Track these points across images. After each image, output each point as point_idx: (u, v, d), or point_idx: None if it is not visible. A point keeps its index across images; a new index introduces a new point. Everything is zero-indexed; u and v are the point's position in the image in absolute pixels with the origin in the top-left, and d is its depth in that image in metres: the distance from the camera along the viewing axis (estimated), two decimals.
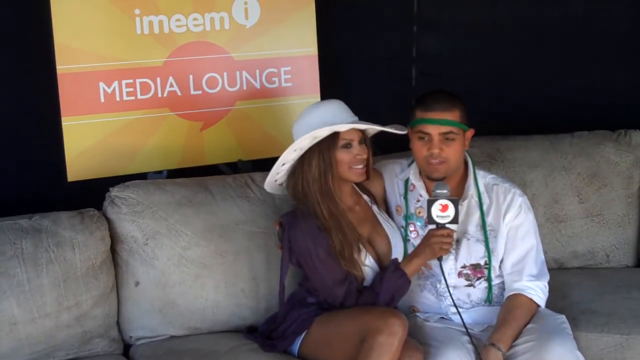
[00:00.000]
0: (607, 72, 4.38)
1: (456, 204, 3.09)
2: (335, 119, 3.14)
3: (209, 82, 3.80)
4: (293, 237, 3.15)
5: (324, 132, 3.11)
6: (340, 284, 3.12)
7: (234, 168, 3.86)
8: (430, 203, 3.09)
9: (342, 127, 3.12)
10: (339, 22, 4.26)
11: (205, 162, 3.86)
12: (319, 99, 3.94)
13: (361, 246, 3.18)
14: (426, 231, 3.19)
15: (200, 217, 3.41)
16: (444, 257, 3.17)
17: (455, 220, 3.10)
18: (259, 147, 3.89)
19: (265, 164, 3.72)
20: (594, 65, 4.38)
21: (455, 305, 3.14)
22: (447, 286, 3.18)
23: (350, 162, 3.16)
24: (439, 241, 3.10)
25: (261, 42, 3.87)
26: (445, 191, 3.09)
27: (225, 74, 3.82)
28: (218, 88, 3.82)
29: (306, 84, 3.97)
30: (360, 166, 3.18)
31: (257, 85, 3.89)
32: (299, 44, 3.95)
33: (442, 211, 3.09)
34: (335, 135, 3.13)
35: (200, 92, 3.79)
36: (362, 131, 3.19)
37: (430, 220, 3.10)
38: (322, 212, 3.13)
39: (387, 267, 3.17)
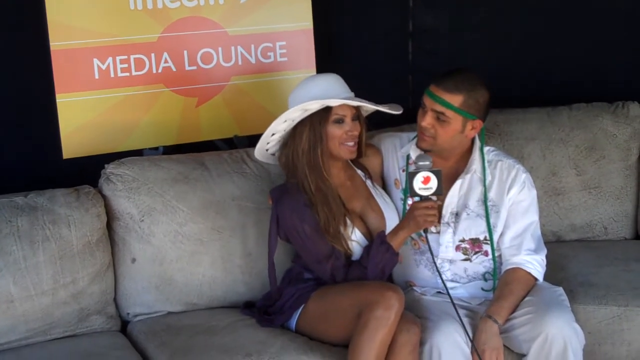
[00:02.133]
0: (605, 44, 4.35)
1: (439, 176, 3.05)
2: (329, 93, 3.12)
3: (204, 57, 3.78)
4: (280, 211, 3.15)
5: (314, 106, 3.09)
6: (326, 259, 3.12)
7: (230, 144, 3.84)
8: (412, 176, 3.05)
9: (333, 102, 3.10)
10: None
11: (201, 138, 3.84)
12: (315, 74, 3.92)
13: (348, 221, 3.17)
14: None
15: (196, 193, 3.40)
16: (430, 229, 3.16)
17: (438, 192, 3.06)
18: (255, 123, 3.85)
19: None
20: (592, 37, 4.34)
21: (445, 286, 3.13)
22: (437, 268, 3.18)
23: (341, 138, 3.14)
24: (423, 213, 3.07)
25: (256, 17, 3.84)
26: (427, 163, 3.05)
27: (220, 49, 3.80)
28: (213, 63, 3.80)
29: (302, 58, 3.94)
30: (352, 143, 3.16)
31: (253, 60, 3.86)
32: (294, 19, 3.92)
33: (424, 183, 3.05)
34: (327, 110, 3.11)
35: (195, 67, 3.77)
36: (356, 108, 3.17)
37: (412, 193, 3.07)
38: (309, 186, 3.13)
39: (374, 241, 3.16)
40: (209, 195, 3.42)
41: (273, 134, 3.19)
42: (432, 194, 3.07)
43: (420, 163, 3.07)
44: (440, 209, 3.19)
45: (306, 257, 3.18)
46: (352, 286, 3.09)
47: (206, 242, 3.38)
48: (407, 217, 3.15)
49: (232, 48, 3.82)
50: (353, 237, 3.19)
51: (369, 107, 3.19)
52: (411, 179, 3.06)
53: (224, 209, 3.42)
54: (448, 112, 3.14)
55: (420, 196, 3.08)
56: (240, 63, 3.84)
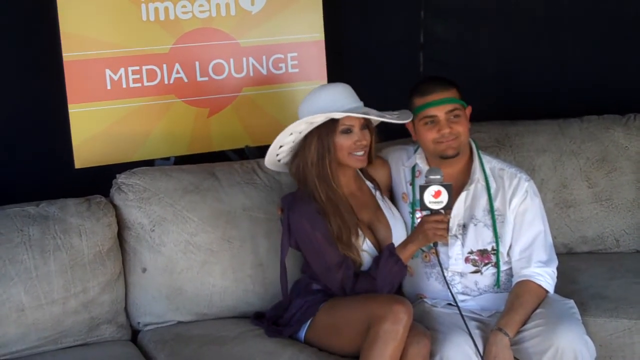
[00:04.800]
0: (617, 56, 4.35)
1: (449, 190, 3.05)
2: (335, 104, 3.12)
3: (216, 68, 3.79)
4: (292, 219, 3.15)
5: (319, 119, 3.10)
6: (337, 268, 3.11)
7: (241, 154, 3.85)
8: (423, 189, 3.05)
9: (337, 115, 3.10)
10: (346, 8, 4.24)
11: (212, 149, 3.85)
12: None
13: (360, 231, 3.17)
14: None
15: (206, 203, 3.41)
16: (439, 243, 3.15)
17: (448, 206, 3.07)
18: (266, 133, 3.83)
19: None
20: (603, 49, 4.35)
21: (454, 299, 3.13)
22: (446, 281, 3.18)
23: (350, 148, 3.14)
24: (433, 227, 3.07)
25: (267, 28, 3.86)
26: (438, 177, 3.05)
27: (231, 60, 3.81)
28: (225, 74, 3.81)
29: (313, 69, 3.96)
30: (361, 152, 3.16)
31: (264, 72, 3.88)
32: (305, 30, 3.93)
33: (434, 197, 3.05)
34: (334, 121, 3.11)
35: (206, 78, 3.78)
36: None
37: (422, 206, 3.07)
38: (319, 196, 3.13)
39: (382, 253, 3.16)
40: (220, 205, 3.42)
41: (281, 146, 3.20)
42: (443, 208, 3.06)
43: (432, 177, 3.06)
44: (448, 222, 3.19)
45: (316, 266, 3.17)
46: (361, 299, 3.08)
47: (217, 252, 3.38)
48: (416, 231, 3.15)
49: (244, 59, 3.84)
50: (364, 247, 3.19)
51: (373, 118, 3.17)
52: (422, 193, 3.05)
53: (235, 219, 3.42)
54: (458, 105, 3.20)
55: (431, 210, 3.07)
56: (251, 74, 3.86)
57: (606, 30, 4.35)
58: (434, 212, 3.07)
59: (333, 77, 3.94)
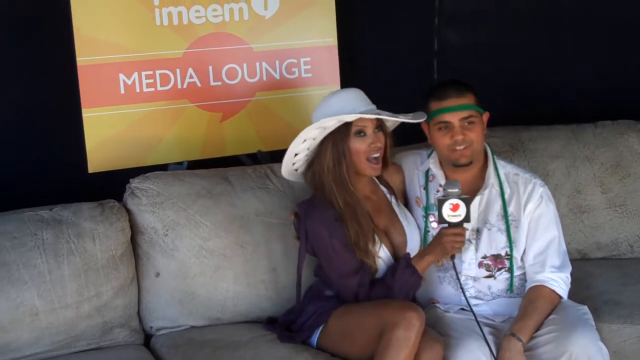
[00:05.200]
0: (631, 60, 4.34)
1: (467, 203, 3.05)
2: (346, 108, 3.12)
3: (229, 73, 3.80)
4: (309, 226, 3.15)
5: (331, 123, 3.09)
6: (353, 274, 3.11)
7: (254, 159, 3.85)
8: (441, 203, 3.05)
9: (349, 117, 3.10)
10: (359, 13, 4.25)
11: (225, 154, 3.86)
12: None
13: (376, 237, 3.17)
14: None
15: (220, 208, 3.41)
16: (456, 255, 3.14)
17: (466, 219, 3.06)
18: (279, 138, 3.86)
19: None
20: (618, 54, 4.34)
21: (469, 304, 3.12)
22: (461, 286, 3.17)
23: (366, 151, 3.13)
24: (451, 240, 3.07)
25: (280, 33, 3.86)
26: (456, 190, 3.05)
27: (244, 64, 3.82)
28: (238, 79, 3.82)
29: (326, 74, 3.96)
30: (376, 155, 3.15)
31: (277, 76, 3.88)
32: (318, 35, 3.93)
33: (452, 210, 3.05)
34: (347, 125, 3.11)
35: (219, 83, 3.79)
36: (378, 118, 3.17)
37: (441, 219, 3.07)
38: (337, 202, 3.12)
39: (399, 263, 3.16)
40: (233, 210, 3.43)
41: (296, 154, 3.19)
42: (461, 221, 3.06)
43: (449, 190, 3.06)
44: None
45: (332, 272, 3.17)
46: (373, 305, 3.08)
47: (230, 257, 3.38)
48: (434, 243, 3.15)
49: (257, 64, 3.84)
50: (380, 253, 3.18)
51: (386, 118, 3.17)
52: (440, 206, 3.05)
53: (248, 224, 3.42)
54: (473, 113, 3.18)
55: (449, 223, 3.07)
56: (264, 79, 3.86)
57: (620, 36, 4.34)
58: (452, 225, 3.07)
59: (346, 82, 3.94)
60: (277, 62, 3.87)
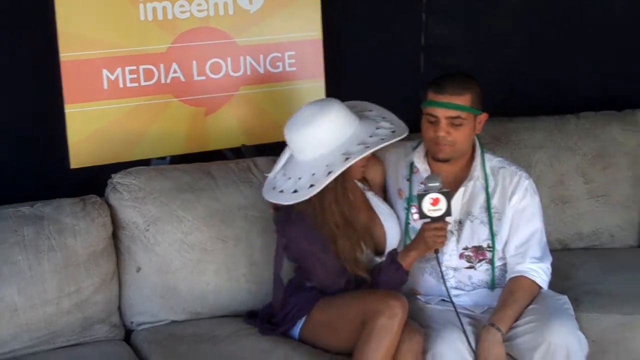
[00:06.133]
0: (614, 53, 4.35)
1: (448, 197, 3.05)
2: (344, 137, 3.05)
3: (213, 67, 3.80)
4: (291, 237, 3.15)
5: (338, 168, 3.00)
6: (340, 275, 3.13)
7: (238, 153, 3.86)
8: (421, 197, 3.05)
9: (353, 161, 3.01)
10: (346, 7, 4.21)
11: (209, 148, 3.86)
12: (323, 84, 3.95)
13: (362, 244, 3.17)
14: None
15: (201, 202, 3.41)
16: (440, 249, 3.15)
17: (447, 213, 3.06)
18: (263, 132, 3.89)
19: (269, 149, 3.74)
20: (601, 46, 4.34)
21: (449, 295, 3.13)
22: (443, 277, 3.18)
23: (360, 163, 3.12)
24: (433, 235, 3.08)
25: (265, 27, 3.85)
26: (436, 184, 3.05)
27: (229, 59, 3.81)
28: (222, 73, 3.81)
29: (310, 68, 3.95)
30: (364, 164, 3.18)
31: (261, 70, 3.88)
32: (303, 29, 3.92)
33: (433, 205, 3.05)
34: None
35: (203, 77, 3.79)
36: None
37: (421, 214, 3.07)
38: (334, 220, 3.08)
39: (384, 260, 3.17)
40: (215, 204, 3.43)
41: (295, 190, 3.08)
42: (442, 215, 3.07)
43: (430, 184, 3.06)
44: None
45: (317, 277, 3.17)
46: (356, 295, 3.10)
47: (211, 251, 3.39)
48: (417, 239, 3.16)
49: (241, 58, 3.84)
50: (365, 257, 3.20)
51: (376, 149, 3.10)
52: (420, 201, 3.06)
53: (230, 218, 3.43)
54: (463, 114, 3.15)
55: (430, 217, 3.08)
56: (249, 73, 3.86)
57: (602, 28, 4.34)
58: (434, 220, 3.08)
59: (331, 76, 3.95)
60: (261, 56, 3.86)
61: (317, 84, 3.93)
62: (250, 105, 3.88)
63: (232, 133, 3.87)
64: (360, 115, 3.20)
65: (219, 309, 3.43)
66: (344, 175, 3.05)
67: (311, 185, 3.01)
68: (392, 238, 3.27)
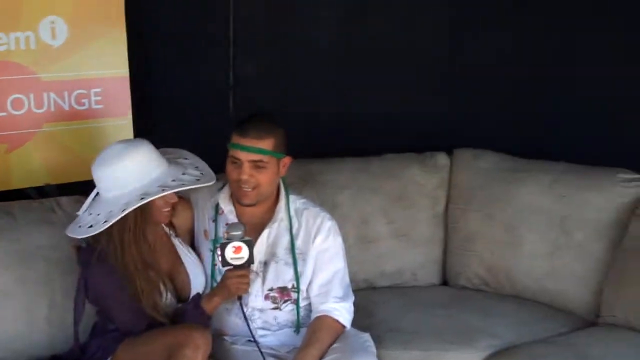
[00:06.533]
0: (419, 98, 4.45)
1: (250, 245, 3.09)
2: (147, 179, 3.07)
3: (14, 103, 3.67)
4: (90, 276, 3.10)
5: (133, 206, 3.01)
6: (139, 318, 3.09)
7: (42, 192, 3.75)
8: (224, 246, 3.07)
9: (148, 199, 3.02)
10: (153, 44, 4.17)
11: (12, 187, 3.71)
12: (131, 122, 3.90)
13: (162, 287, 3.15)
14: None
15: (0, 243, 3.30)
16: (243, 295, 3.17)
17: (250, 261, 3.09)
18: (68, 170, 3.78)
19: (75, 187, 3.65)
20: (406, 91, 4.44)
21: (253, 336, 3.17)
22: (247, 320, 3.20)
23: (163, 206, 3.13)
24: (236, 282, 3.10)
25: (70, 63, 3.76)
26: (239, 233, 3.08)
27: (31, 95, 3.69)
28: (24, 110, 3.69)
29: (117, 105, 3.88)
30: (169, 208, 3.17)
31: (66, 107, 3.78)
32: (109, 65, 3.85)
33: (235, 253, 3.08)
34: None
35: (5, 113, 3.65)
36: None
37: (224, 262, 3.09)
38: (133, 263, 3.07)
39: (188, 305, 3.17)
40: (15, 245, 3.32)
41: (90, 226, 3.07)
42: (244, 263, 3.09)
43: (233, 233, 3.08)
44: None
45: (119, 319, 3.13)
46: (160, 331, 3.07)
47: (10, 295, 3.27)
48: (220, 285, 3.17)
49: (45, 94, 3.73)
50: (167, 301, 3.18)
51: (183, 189, 3.14)
52: (223, 249, 3.07)
53: (30, 259, 3.32)
54: (265, 158, 3.17)
55: (233, 265, 3.09)
56: (52, 109, 3.75)
57: (409, 72, 4.46)
58: (236, 267, 3.10)
59: (139, 114, 3.90)
60: (65, 92, 3.76)
61: (124, 122, 3.87)
62: (55, 142, 3.78)
63: (36, 171, 3.75)
64: (172, 160, 3.20)
65: (20, 356, 3.29)
66: (144, 217, 3.05)
67: (105, 221, 3.00)
68: (197, 285, 3.26)
